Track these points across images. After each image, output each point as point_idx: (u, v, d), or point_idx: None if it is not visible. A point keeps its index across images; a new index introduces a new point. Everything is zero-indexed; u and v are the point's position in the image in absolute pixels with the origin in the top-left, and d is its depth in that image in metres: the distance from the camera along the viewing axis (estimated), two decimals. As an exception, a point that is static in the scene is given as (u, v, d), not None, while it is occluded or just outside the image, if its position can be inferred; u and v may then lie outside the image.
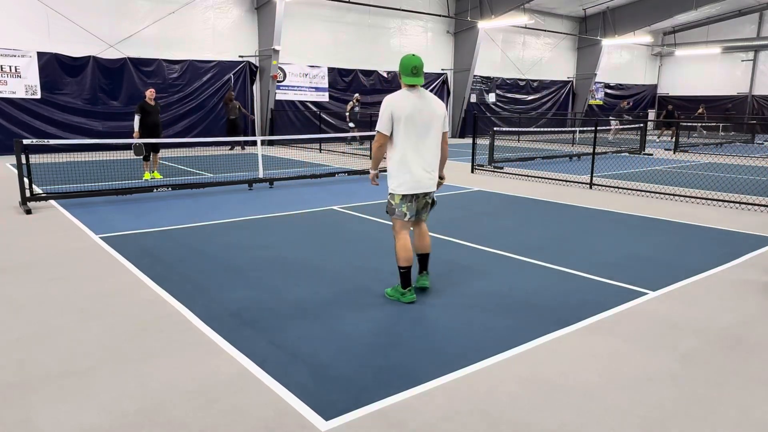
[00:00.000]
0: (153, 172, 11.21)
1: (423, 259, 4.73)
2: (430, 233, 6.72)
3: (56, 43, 15.47)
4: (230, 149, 17.67)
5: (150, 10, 16.79)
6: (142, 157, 10.77)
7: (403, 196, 4.39)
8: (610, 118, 22.11)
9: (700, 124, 24.89)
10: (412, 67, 4.21)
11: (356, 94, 20.14)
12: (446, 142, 4.53)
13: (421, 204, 4.51)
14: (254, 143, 18.57)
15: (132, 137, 10.64)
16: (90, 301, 4.45)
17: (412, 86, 4.28)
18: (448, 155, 4.64)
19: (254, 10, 18.82)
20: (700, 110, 25.95)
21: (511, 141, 23.23)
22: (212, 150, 17.22)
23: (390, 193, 4.46)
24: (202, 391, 3.10)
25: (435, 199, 4.63)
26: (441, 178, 4.63)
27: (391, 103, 4.23)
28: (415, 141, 4.28)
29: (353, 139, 20.07)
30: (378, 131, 4.29)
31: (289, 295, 4.60)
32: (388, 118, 4.24)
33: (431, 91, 23.76)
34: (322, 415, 2.86)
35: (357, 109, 19.46)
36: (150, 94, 10.87)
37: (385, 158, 4.47)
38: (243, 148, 17.85)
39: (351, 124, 19.47)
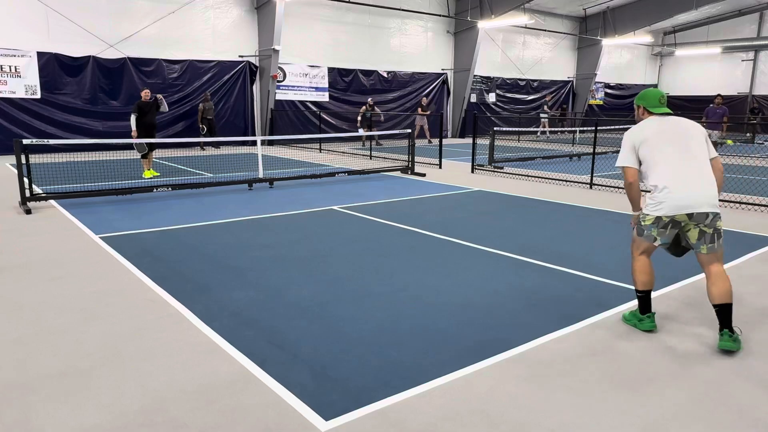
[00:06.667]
0: (149, 169, 11.25)
1: (722, 311, 3.67)
2: (431, 233, 6.78)
3: (56, 43, 15.46)
4: (201, 149, 17.68)
5: (150, 10, 16.78)
6: (141, 156, 10.81)
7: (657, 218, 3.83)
8: (541, 115, 21.92)
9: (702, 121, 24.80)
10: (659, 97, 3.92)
11: (369, 99, 19.95)
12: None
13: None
14: (254, 143, 18.57)
15: (131, 137, 10.68)
16: (90, 301, 4.45)
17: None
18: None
19: (254, 10, 18.81)
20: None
21: (511, 141, 23.23)
22: (188, 151, 17.22)
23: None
24: (202, 391, 3.10)
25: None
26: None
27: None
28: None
29: (370, 138, 19.68)
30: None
31: (289, 295, 4.60)
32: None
33: (432, 91, 23.76)
34: (322, 415, 2.86)
35: (368, 114, 19.26)
36: (144, 95, 10.98)
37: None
38: (216, 147, 18.14)
39: (360, 130, 19.14)
